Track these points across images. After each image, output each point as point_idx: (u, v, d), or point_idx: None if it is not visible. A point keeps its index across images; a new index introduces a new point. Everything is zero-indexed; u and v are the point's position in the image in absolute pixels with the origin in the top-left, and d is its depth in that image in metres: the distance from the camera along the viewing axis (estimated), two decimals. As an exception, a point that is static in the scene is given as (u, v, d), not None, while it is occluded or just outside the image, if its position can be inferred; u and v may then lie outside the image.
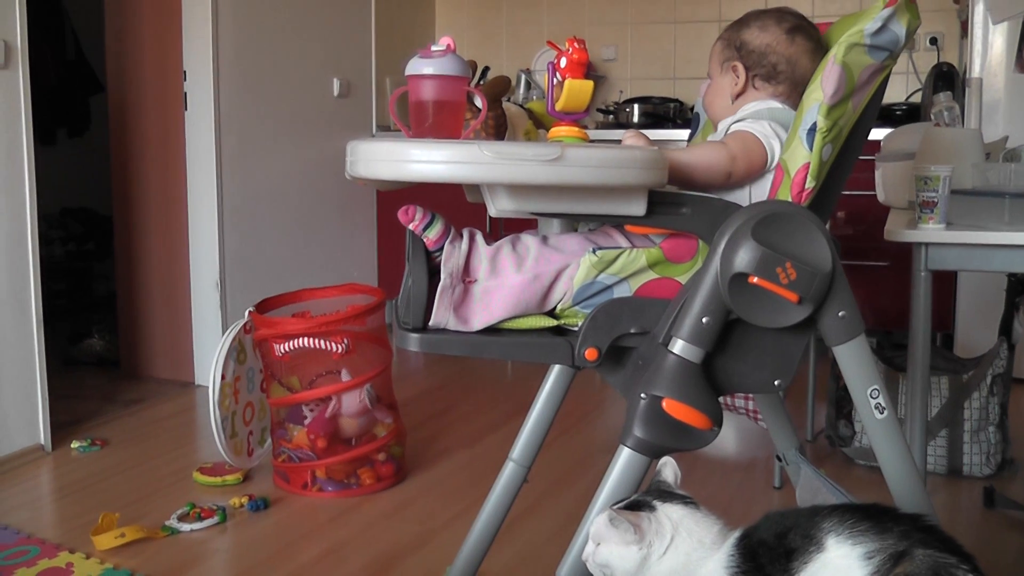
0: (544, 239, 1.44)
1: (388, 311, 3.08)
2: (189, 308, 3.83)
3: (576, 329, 1.43)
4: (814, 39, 1.61)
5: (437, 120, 1.37)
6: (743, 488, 2.79)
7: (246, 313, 2.81)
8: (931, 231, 1.95)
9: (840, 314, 1.39)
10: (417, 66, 1.39)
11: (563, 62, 1.44)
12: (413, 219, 1.38)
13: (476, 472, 2.89)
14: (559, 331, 1.46)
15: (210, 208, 3.73)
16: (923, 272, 1.97)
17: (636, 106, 4.60)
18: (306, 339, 2.67)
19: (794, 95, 1.58)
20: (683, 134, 4.26)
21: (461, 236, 1.42)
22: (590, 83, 1.43)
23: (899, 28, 1.43)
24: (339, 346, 2.69)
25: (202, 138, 3.72)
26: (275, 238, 4.10)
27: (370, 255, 4.82)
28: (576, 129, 1.47)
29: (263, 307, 2.85)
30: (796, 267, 1.32)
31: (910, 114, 4.09)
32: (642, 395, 1.34)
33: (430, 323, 1.39)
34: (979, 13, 3.77)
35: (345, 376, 2.76)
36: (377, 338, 2.82)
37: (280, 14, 4.06)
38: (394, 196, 4.67)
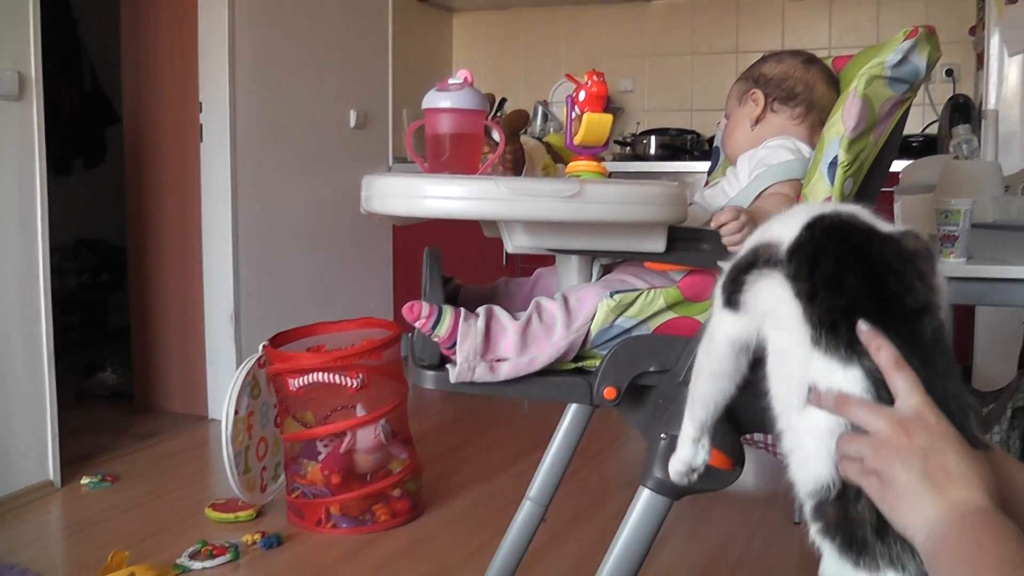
0: (564, 301, 1.40)
1: (404, 345, 3.05)
2: (203, 341, 3.81)
3: (595, 369, 1.40)
4: (829, 71, 1.63)
5: (454, 154, 1.35)
6: (763, 524, 2.75)
7: (260, 347, 2.79)
8: (952, 265, 1.92)
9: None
10: (434, 99, 1.37)
11: (582, 95, 1.42)
12: (419, 317, 1.33)
13: (493, 508, 2.85)
14: (578, 370, 1.43)
15: (225, 240, 3.72)
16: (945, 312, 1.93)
17: (653, 138, 4.59)
18: (321, 374, 2.65)
19: (810, 117, 1.59)
20: (699, 166, 4.24)
21: (476, 315, 1.37)
22: (609, 117, 1.41)
23: (920, 60, 1.41)
24: (354, 381, 2.67)
25: (218, 170, 3.72)
26: (290, 271, 4.08)
27: (386, 288, 4.80)
28: (595, 164, 1.44)
29: (277, 341, 2.83)
30: (822, 303, 1.29)
31: (927, 146, 4.06)
32: (662, 435, 1.31)
33: (452, 379, 1.36)
34: (995, 45, 3.75)
35: (360, 411, 2.74)
36: (393, 372, 2.79)
37: (297, 45, 4.07)
38: (412, 229, 4.66)
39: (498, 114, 5.08)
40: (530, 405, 4.08)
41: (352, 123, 4.44)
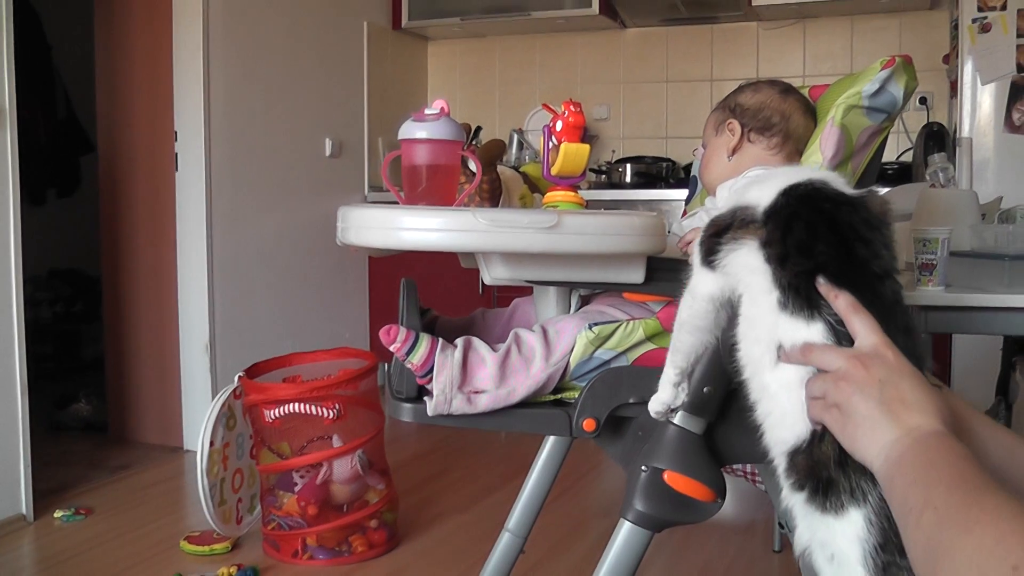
0: (544, 332, 1.39)
1: (380, 374, 3.03)
2: (178, 371, 3.78)
3: (573, 401, 1.39)
4: (805, 101, 1.63)
5: (431, 185, 1.35)
6: (742, 552, 2.73)
7: (236, 378, 2.76)
8: (930, 294, 1.92)
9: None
10: (410, 130, 1.36)
11: (559, 125, 1.42)
12: (395, 341, 1.32)
13: (471, 538, 2.83)
14: (557, 401, 1.41)
15: (200, 270, 3.70)
16: (923, 335, 1.94)
17: (629, 166, 4.60)
18: (297, 404, 2.62)
19: (787, 147, 1.59)
20: (676, 194, 4.25)
21: (453, 346, 1.35)
22: (586, 147, 1.41)
23: (897, 90, 1.42)
24: (331, 411, 2.64)
25: (193, 199, 3.70)
26: (266, 300, 4.06)
27: (362, 318, 4.77)
28: (572, 194, 1.44)
29: (253, 372, 2.80)
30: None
31: (901, 173, 4.10)
32: (643, 467, 1.30)
33: (429, 412, 1.34)
34: (968, 73, 3.80)
35: (336, 442, 2.71)
36: (369, 402, 2.77)
37: (272, 73, 4.07)
38: (388, 260, 4.65)
39: (473, 142, 5.11)
40: (507, 434, 4.06)
41: (327, 152, 4.44)
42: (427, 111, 1.36)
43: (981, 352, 3.65)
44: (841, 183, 1.08)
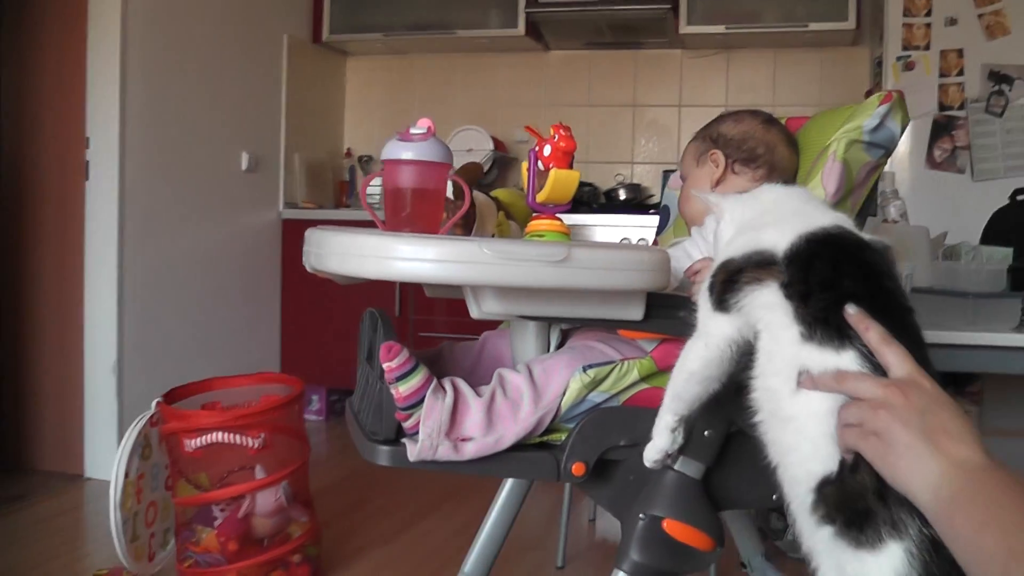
0: (529, 372, 1.30)
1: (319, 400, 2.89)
2: (82, 393, 3.55)
3: (560, 443, 1.31)
4: (788, 133, 1.59)
5: (416, 210, 1.25)
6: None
7: (153, 404, 2.60)
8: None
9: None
10: (395, 150, 1.26)
11: (547, 150, 1.34)
12: (393, 360, 1.21)
13: (399, 572, 2.71)
14: (542, 443, 1.33)
15: (110, 286, 3.49)
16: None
17: (551, 189, 4.53)
18: (221, 433, 2.47)
19: (772, 179, 1.54)
20: (597, 218, 4.22)
21: (444, 388, 1.25)
22: (576, 174, 1.33)
23: (895, 126, 1.39)
24: (256, 441, 2.50)
25: (104, 210, 3.49)
26: (178, 319, 3.86)
27: (273, 339, 4.58)
28: (558, 223, 1.36)
29: (170, 397, 2.64)
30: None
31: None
32: (640, 515, 1.22)
33: (412, 458, 1.24)
34: (890, 109, 3.85)
35: (260, 473, 2.56)
36: (295, 431, 2.64)
37: (192, 83, 3.89)
38: (304, 279, 4.49)
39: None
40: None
41: (244, 166, 4.26)
42: (413, 130, 1.26)
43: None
44: (855, 228, 1.08)
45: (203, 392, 2.77)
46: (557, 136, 1.33)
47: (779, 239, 1.04)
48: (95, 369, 3.53)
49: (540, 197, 1.35)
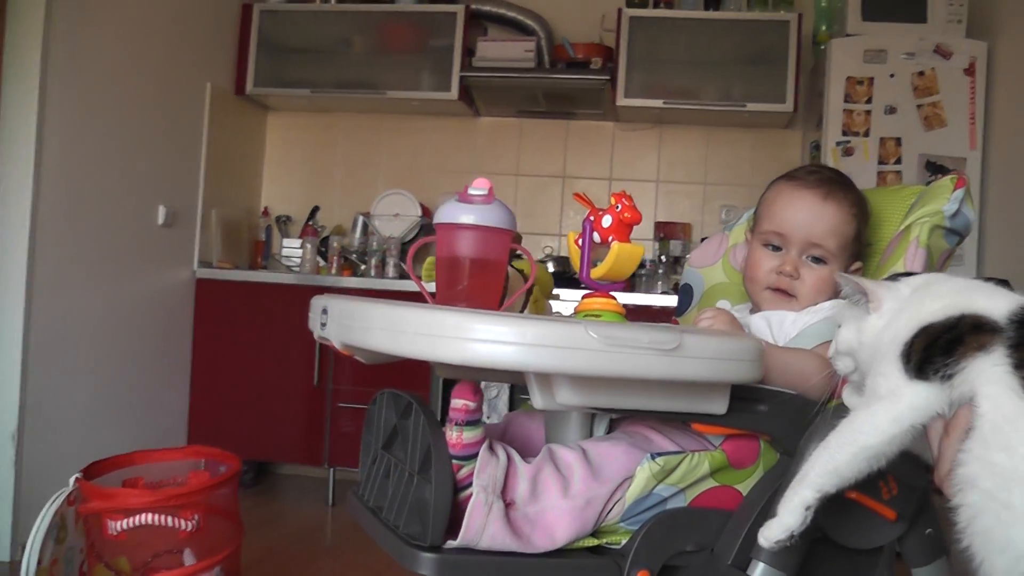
0: (584, 453, 1.16)
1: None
2: (-26, 463, 3.22)
3: (620, 547, 1.16)
4: None
5: (476, 283, 1.09)
6: None
7: (71, 480, 2.33)
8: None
9: (927, 532, 1.20)
10: (453, 212, 1.11)
11: (606, 220, 1.21)
12: (468, 399, 1.07)
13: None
14: (595, 549, 1.18)
15: (13, 346, 3.17)
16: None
17: (479, 258, 4.40)
18: (151, 515, 2.23)
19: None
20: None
21: (494, 450, 1.12)
22: (640, 248, 1.20)
23: (970, 212, 1.31)
24: (189, 523, 2.28)
25: (13, 262, 3.18)
26: (85, 383, 3.55)
27: (181, 408, 4.25)
28: (614, 302, 1.22)
29: (89, 472, 2.39)
30: (898, 481, 1.12)
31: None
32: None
33: (458, 541, 1.08)
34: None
35: (188, 558, 2.32)
36: (229, 512, 2.42)
37: (110, 132, 3.63)
38: (217, 342, 4.23)
39: (309, 222, 4.75)
40: (358, 532, 3.68)
41: (160, 220, 4.00)
42: (472, 191, 1.11)
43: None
44: None
45: (124, 467, 2.53)
46: (620, 206, 1.19)
47: (991, 305, 0.97)
48: (-8, 436, 3.20)
49: (597, 273, 1.21)
